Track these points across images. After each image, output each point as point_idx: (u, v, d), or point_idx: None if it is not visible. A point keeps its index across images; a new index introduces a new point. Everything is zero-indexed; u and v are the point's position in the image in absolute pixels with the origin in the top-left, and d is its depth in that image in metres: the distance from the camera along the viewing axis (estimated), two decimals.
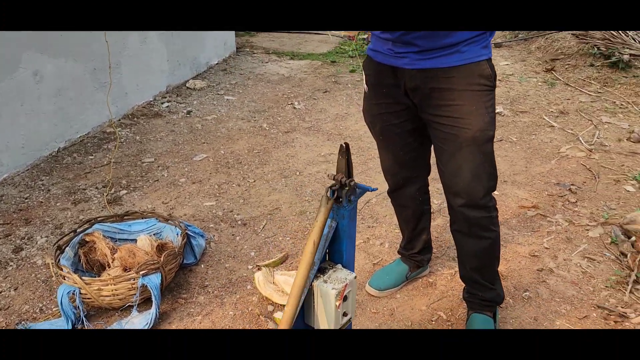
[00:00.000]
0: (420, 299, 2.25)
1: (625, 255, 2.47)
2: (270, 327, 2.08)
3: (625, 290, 2.27)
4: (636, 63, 4.91)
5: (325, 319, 1.36)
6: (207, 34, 5.36)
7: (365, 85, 1.93)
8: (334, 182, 1.37)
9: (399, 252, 2.36)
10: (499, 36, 6.53)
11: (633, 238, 2.56)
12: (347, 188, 1.35)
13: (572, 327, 2.08)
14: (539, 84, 5.00)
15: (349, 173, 1.35)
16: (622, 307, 2.17)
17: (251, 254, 2.55)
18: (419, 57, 1.67)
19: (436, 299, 2.25)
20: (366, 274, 2.39)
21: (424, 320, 2.13)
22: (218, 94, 4.80)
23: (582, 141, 3.70)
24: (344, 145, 1.33)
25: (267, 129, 4.06)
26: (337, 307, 1.35)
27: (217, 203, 3.00)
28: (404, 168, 2.04)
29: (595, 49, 5.21)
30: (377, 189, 1.49)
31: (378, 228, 2.77)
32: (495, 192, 1.94)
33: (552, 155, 3.53)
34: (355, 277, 1.41)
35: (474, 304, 2.05)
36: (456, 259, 2.48)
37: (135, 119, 4.18)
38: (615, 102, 4.37)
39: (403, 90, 1.78)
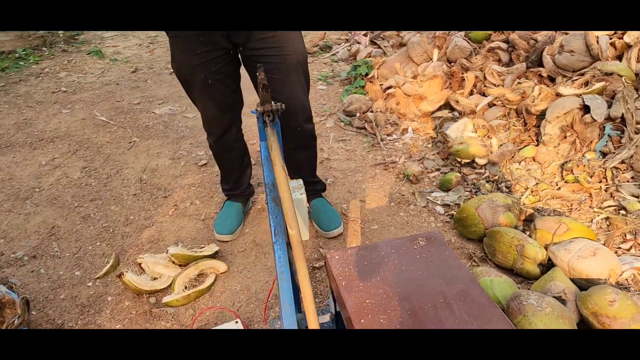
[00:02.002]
0: (266, 222, 2.45)
1: (363, 128, 3.19)
2: (169, 314, 1.97)
3: (379, 147, 2.99)
4: None
5: (301, 221, 1.50)
6: None
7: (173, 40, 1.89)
8: (263, 111, 1.46)
9: (227, 194, 2.45)
10: None
11: (357, 114, 3.30)
12: (273, 110, 1.47)
13: (373, 184, 2.67)
14: None
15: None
16: (387, 158, 2.88)
17: (76, 274, 2.21)
18: None
19: None
20: (206, 231, 2.42)
21: None
22: None
23: None
24: (262, 76, 1.43)
25: None
26: (307, 207, 1.50)
27: None
28: (227, 112, 2.10)
29: None
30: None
31: (176, 194, 2.74)
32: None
33: None
34: (302, 182, 1.57)
35: (310, 196, 2.39)
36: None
37: None
38: None
39: (225, 33, 1.83)
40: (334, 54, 4.54)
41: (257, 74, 1.45)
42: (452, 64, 3.31)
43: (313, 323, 1.18)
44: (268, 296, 1.98)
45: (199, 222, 2.50)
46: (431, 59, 3.44)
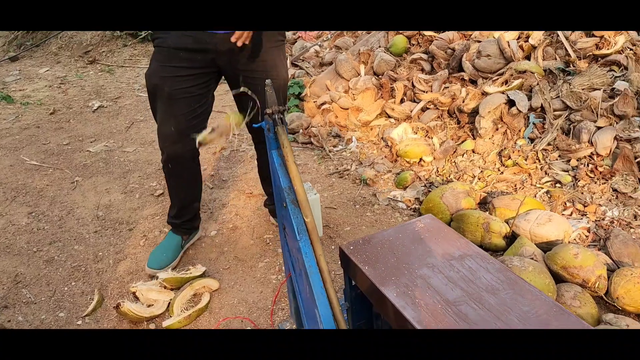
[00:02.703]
0: (243, 239, 2.53)
1: (309, 142, 3.37)
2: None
3: (329, 158, 3.18)
4: None
5: (317, 219, 1.63)
6: None
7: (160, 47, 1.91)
8: (272, 112, 1.58)
9: (170, 223, 2.42)
10: (12, 49, 6.16)
11: (300, 131, 3.48)
12: (282, 112, 1.60)
13: (333, 192, 2.84)
14: (100, 74, 5.24)
15: (279, 102, 1.59)
16: (340, 167, 3.07)
17: (61, 315, 2.15)
18: None
19: (253, 238, 2.58)
20: (183, 255, 2.45)
21: (265, 251, 2.46)
22: None
23: None
24: (268, 81, 1.55)
25: None
26: (321, 208, 1.64)
27: None
28: (183, 136, 2.02)
29: (119, 31, 5.78)
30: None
31: (141, 225, 2.73)
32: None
33: None
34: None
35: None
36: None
37: None
38: None
39: (213, 54, 1.89)
40: None
41: (266, 82, 1.55)
42: (380, 76, 3.61)
43: (332, 296, 1.32)
44: (274, 302, 2.07)
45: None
46: (359, 74, 3.71)
